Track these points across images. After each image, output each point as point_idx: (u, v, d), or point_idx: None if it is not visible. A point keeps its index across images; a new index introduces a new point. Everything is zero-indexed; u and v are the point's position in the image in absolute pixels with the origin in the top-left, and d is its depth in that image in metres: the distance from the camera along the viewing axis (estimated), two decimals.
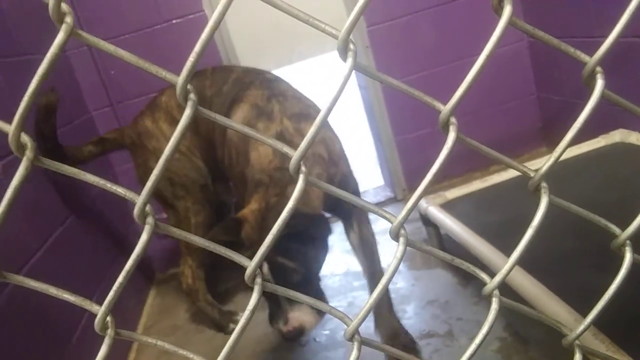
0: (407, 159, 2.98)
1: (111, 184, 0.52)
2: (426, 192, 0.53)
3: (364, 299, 2.11)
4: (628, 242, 0.58)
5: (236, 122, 0.53)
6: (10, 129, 0.47)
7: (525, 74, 2.95)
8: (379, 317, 1.79)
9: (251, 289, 0.55)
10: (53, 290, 0.54)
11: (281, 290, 0.58)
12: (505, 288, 0.55)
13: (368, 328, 1.80)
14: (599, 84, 0.51)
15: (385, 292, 1.81)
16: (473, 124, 2.86)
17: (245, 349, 2.01)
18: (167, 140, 0.54)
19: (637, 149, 2.18)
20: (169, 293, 2.71)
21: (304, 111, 1.77)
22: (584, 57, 0.52)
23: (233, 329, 0.68)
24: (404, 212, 0.52)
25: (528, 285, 1.50)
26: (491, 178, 2.35)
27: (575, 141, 0.54)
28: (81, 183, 2.19)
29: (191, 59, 0.47)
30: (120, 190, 0.52)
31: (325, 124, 0.55)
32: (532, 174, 0.54)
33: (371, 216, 2.85)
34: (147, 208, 0.51)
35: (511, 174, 2.31)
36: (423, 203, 2.23)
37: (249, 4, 3.17)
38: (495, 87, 2.87)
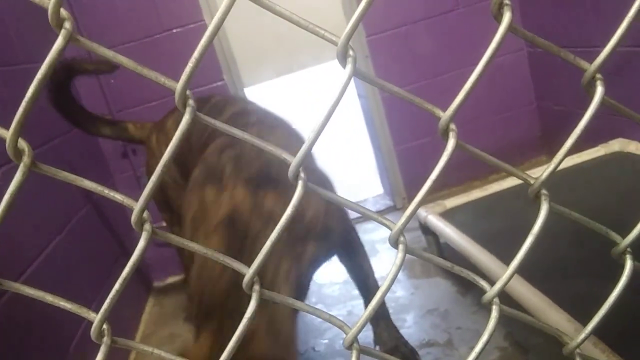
0: (407, 168, 2.98)
1: (109, 190, 0.51)
2: (425, 200, 0.53)
3: (363, 308, 2.10)
4: (629, 250, 0.58)
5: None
6: (7, 134, 0.47)
7: (524, 84, 2.96)
8: (378, 329, 1.77)
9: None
10: (49, 298, 0.53)
11: (279, 299, 0.57)
12: (504, 297, 0.55)
13: (367, 337, 1.79)
14: (599, 90, 0.51)
15: (382, 304, 1.78)
16: (472, 133, 2.86)
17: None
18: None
19: (637, 158, 2.19)
20: (168, 302, 2.70)
21: (265, 170, 1.34)
22: (583, 64, 0.52)
23: None
24: (403, 219, 0.52)
25: (527, 294, 1.49)
26: (490, 187, 2.35)
27: (574, 150, 0.54)
28: (80, 190, 2.20)
29: (190, 64, 0.47)
30: (118, 196, 0.52)
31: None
32: (532, 181, 0.54)
33: (370, 224, 2.86)
34: (145, 215, 0.51)
35: (510, 182, 2.30)
36: (422, 212, 2.22)
37: (249, 13, 3.18)
38: (495, 96, 2.88)
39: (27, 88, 0.46)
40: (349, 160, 4.38)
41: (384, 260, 2.48)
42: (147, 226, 0.51)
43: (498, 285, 0.54)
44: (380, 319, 1.77)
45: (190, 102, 0.48)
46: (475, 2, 2.79)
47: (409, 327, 1.93)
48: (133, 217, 0.50)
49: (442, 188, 2.95)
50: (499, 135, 2.97)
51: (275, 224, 0.51)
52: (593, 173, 2.22)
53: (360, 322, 0.54)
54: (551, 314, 1.38)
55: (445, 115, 0.50)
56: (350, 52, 0.47)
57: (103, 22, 2.60)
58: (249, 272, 0.53)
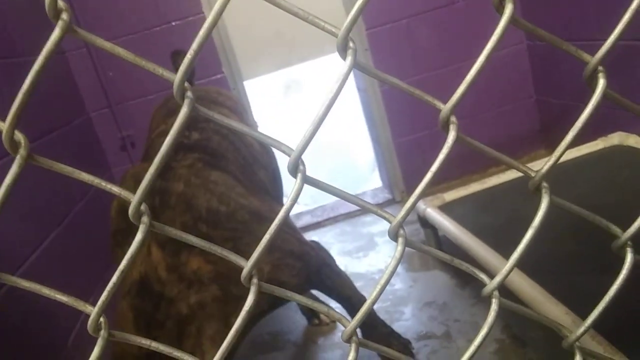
0: (406, 161, 2.98)
1: (106, 183, 0.51)
2: (425, 193, 0.52)
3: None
4: (629, 243, 0.57)
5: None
6: (4, 126, 0.46)
7: (524, 77, 2.95)
8: (366, 331, 1.69)
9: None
10: (46, 291, 0.53)
11: (279, 292, 0.57)
12: (503, 290, 0.55)
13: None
14: (601, 83, 0.50)
15: (371, 313, 1.66)
16: (472, 127, 2.86)
17: (239, 350, 2.00)
18: None
19: (636, 152, 2.19)
20: None
21: (189, 225, 1.29)
22: (585, 56, 0.51)
23: None
24: (403, 212, 0.52)
25: (526, 287, 1.49)
26: (489, 180, 2.35)
27: (574, 144, 0.54)
28: (78, 183, 2.18)
29: (189, 56, 0.46)
30: (115, 189, 0.51)
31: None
32: (533, 174, 0.54)
33: (370, 217, 2.86)
34: (143, 207, 0.50)
35: (509, 176, 2.30)
36: (421, 205, 2.22)
37: (248, 6, 3.16)
38: (494, 90, 2.87)
39: None
40: (348, 153, 4.38)
41: (383, 253, 2.48)
42: (144, 219, 0.51)
43: (498, 278, 0.54)
44: (365, 322, 1.66)
45: (189, 93, 0.48)
46: None
47: (407, 319, 1.93)
48: (130, 210, 0.50)
49: (441, 181, 2.95)
50: (498, 128, 2.97)
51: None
52: (592, 166, 2.22)
53: (358, 315, 0.54)
54: (549, 307, 1.39)
55: (445, 107, 0.50)
56: (351, 44, 0.47)
57: (102, 14, 2.59)
58: (247, 265, 0.53)
